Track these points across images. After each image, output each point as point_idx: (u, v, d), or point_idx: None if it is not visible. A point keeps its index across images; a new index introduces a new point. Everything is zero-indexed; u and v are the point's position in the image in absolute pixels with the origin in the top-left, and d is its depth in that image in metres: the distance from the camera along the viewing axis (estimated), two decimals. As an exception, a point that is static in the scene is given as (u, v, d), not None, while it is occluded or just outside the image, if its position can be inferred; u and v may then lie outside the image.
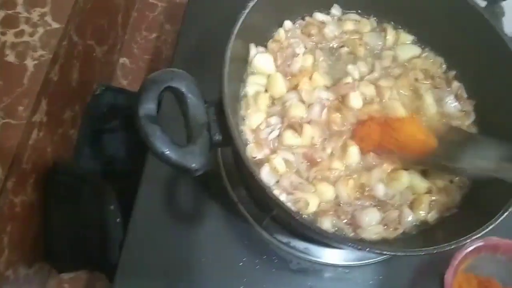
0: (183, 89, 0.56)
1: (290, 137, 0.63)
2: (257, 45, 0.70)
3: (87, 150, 0.85)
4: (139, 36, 1.01)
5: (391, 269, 0.73)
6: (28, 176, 0.68)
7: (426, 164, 0.62)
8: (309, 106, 0.65)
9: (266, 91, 0.68)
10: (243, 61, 0.68)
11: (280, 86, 0.67)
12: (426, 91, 0.69)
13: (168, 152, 0.51)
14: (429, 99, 0.69)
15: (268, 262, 0.70)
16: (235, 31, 0.61)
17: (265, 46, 0.71)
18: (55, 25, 0.70)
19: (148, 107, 0.52)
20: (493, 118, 0.67)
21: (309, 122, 0.64)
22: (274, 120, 0.65)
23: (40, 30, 0.69)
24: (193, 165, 0.53)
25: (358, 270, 0.71)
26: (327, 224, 0.59)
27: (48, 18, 0.70)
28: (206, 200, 0.74)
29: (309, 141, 0.63)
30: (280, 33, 0.72)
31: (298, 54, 0.71)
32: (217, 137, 0.56)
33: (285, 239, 0.70)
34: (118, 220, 0.65)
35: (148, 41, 1.01)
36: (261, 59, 0.68)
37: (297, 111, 0.65)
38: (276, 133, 0.64)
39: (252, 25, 0.64)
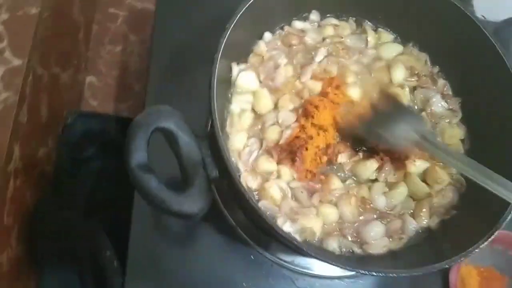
0: (172, 128, 0.52)
1: (264, 162, 0.61)
2: (237, 61, 0.66)
3: (66, 184, 0.80)
4: (104, 50, 0.95)
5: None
6: (11, 230, 0.64)
7: (360, 131, 0.61)
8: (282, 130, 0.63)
9: (252, 109, 0.65)
10: (227, 81, 0.65)
11: (265, 102, 0.65)
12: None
13: (167, 202, 0.48)
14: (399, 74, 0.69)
15: (273, 283, 0.69)
16: (218, 55, 0.57)
17: (246, 61, 0.68)
18: (17, 61, 0.64)
19: (138, 155, 0.49)
20: (480, 114, 0.67)
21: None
22: (251, 141, 0.62)
23: (1, 69, 0.63)
24: (194, 210, 0.50)
25: (363, 277, 0.71)
26: (333, 245, 0.58)
27: (8, 54, 0.64)
28: (202, 225, 0.72)
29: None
30: (261, 45, 0.68)
31: (280, 66, 0.68)
32: (214, 173, 0.53)
33: (289, 257, 0.69)
34: (115, 264, 0.62)
35: (114, 55, 0.95)
36: (244, 77, 0.65)
37: (274, 135, 0.62)
38: (254, 155, 0.61)
39: (232, 43, 0.60)
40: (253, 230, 0.69)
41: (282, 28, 0.70)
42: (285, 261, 0.68)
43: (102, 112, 0.90)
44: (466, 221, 0.61)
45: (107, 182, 0.84)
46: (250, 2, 0.60)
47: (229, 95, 0.65)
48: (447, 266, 0.52)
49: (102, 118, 0.85)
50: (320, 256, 0.50)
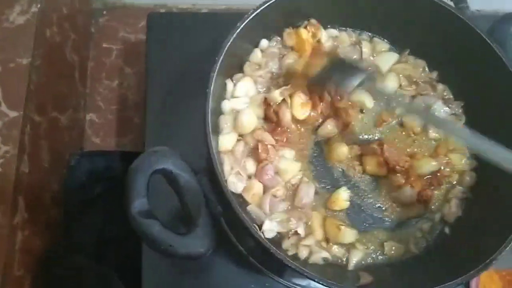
0: (171, 168, 0.52)
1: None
2: (232, 72, 0.65)
3: (75, 226, 0.80)
4: (101, 86, 0.96)
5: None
6: (23, 281, 0.64)
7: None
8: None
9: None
10: (222, 98, 0.64)
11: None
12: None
13: (173, 246, 0.48)
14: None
15: (291, 308, 0.68)
16: (210, 90, 0.57)
17: (241, 71, 0.67)
18: (13, 113, 0.64)
19: (139, 202, 0.49)
20: (483, 116, 0.65)
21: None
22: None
23: (-2, 123, 0.64)
24: (201, 251, 0.50)
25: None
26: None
27: (3, 107, 0.65)
28: (214, 255, 0.71)
29: None
30: (257, 54, 0.67)
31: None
32: (218, 209, 0.53)
33: (303, 282, 0.67)
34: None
35: (111, 89, 0.96)
36: (242, 87, 0.64)
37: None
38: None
39: (228, 58, 0.59)
40: (265, 257, 0.68)
41: (279, 35, 0.69)
42: (300, 286, 0.67)
43: (105, 149, 0.90)
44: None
45: (116, 219, 0.83)
46: (239, 29, 0.60)
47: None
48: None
49: (105, 156, 0.86)
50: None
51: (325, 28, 0.70)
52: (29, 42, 0.69)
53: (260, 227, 0.57)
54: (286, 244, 0.58)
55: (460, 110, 0.68)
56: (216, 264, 0.71)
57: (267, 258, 0.70)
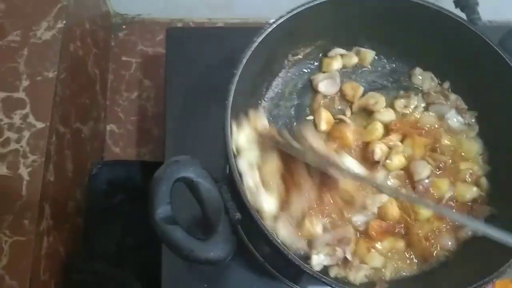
0: (192, 176, 0.54)
1: None
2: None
3: (96, 233, 0.82)
4: (121, 98, 0.99)
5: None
6: (48, 285, 0.66)
7: None
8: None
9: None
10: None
11: None
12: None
13: (194, 252, 0.50)
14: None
15: (308, 315, 0.69)
16: (229, 103, 0.58)
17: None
18: (40, 124, 0.67)
19: (162, 209, 0.51)
20: (496, 126, 0.67)
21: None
22: None
23: (26, 133, 0.66)
24: (221, 256, 0.52)
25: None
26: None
27: (31, 119, 0.67)
28: (231, 262, 0.72)
29: None
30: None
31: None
32: (237, 216, 0.55)
33: (320, 288, 0.69)
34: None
35: (131, 101, 0.99)
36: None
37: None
38: None
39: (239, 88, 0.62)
40: (281, 263, 0.70)
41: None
42: (317, 292, 0.69)
43: (125, 158, 0.92)
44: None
45: (136, 226, 0.85)
46: (257, 43, 0.62)
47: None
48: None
49: (126, 165, 0.88)
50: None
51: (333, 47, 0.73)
52: (55, 56, 0.72)
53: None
54: (334, 272, 0.59)
55: (473, 120, 0.69)
56: (233, 271, 0.73)
57: (283, 265, 0.72)
